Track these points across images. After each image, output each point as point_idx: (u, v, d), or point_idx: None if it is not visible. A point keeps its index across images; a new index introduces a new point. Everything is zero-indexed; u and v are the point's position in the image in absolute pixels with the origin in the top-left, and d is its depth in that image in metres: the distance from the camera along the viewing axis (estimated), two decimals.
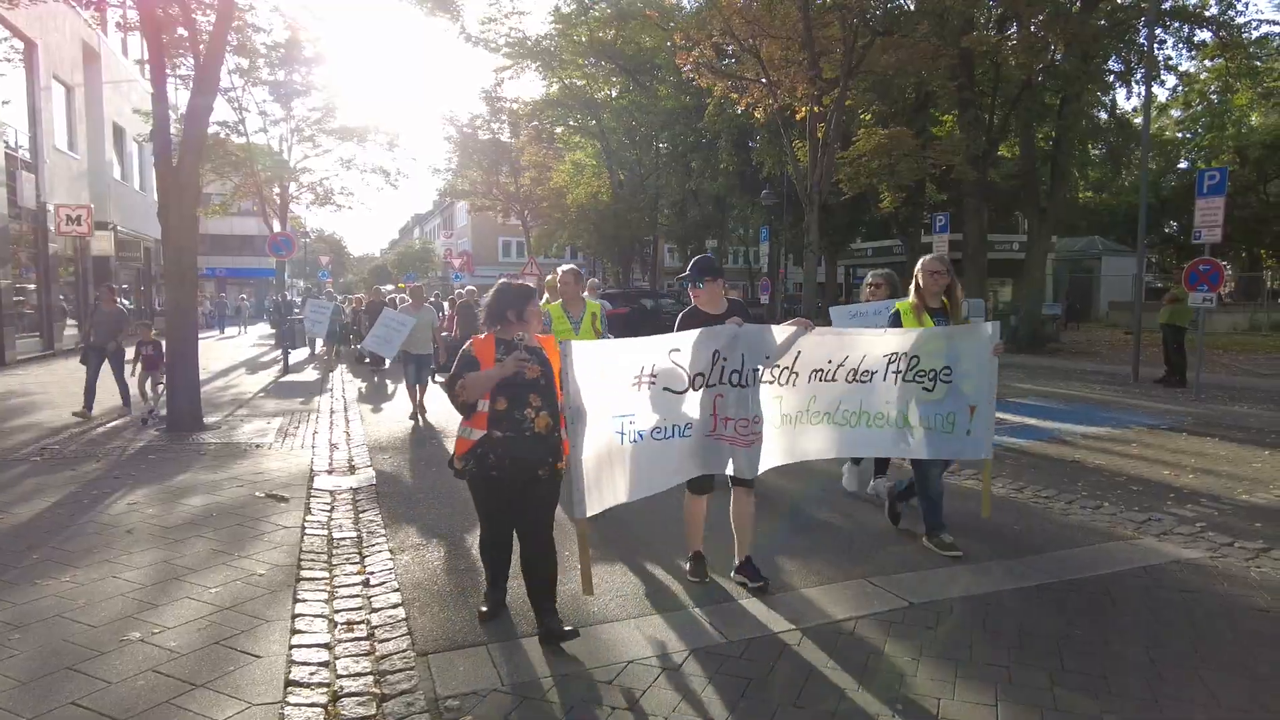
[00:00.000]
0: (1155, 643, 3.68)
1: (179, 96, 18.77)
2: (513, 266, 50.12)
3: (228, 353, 22.06)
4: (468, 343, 3.74)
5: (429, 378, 10.60)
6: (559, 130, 36.42)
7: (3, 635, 3.67)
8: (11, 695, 3.14)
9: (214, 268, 50.07)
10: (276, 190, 25.03)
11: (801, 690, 3.27)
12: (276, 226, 24.45)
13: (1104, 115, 26.01)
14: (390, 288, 23.88)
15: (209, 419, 9.55)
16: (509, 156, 33.69)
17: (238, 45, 18.12)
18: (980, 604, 4.14)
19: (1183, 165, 37.73)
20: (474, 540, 5.24)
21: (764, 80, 17.86)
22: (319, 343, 19.73)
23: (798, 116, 18.23)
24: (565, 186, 34.58)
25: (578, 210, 33.79)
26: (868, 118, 22.20)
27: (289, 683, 3.30)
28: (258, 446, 8.22)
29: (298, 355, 19.74)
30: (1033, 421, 9.65)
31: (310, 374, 16.48)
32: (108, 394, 10.05)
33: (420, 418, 9.97)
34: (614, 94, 34.09)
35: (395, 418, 10.51)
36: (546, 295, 7.12)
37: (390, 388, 14.33)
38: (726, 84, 19.66)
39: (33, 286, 18.82)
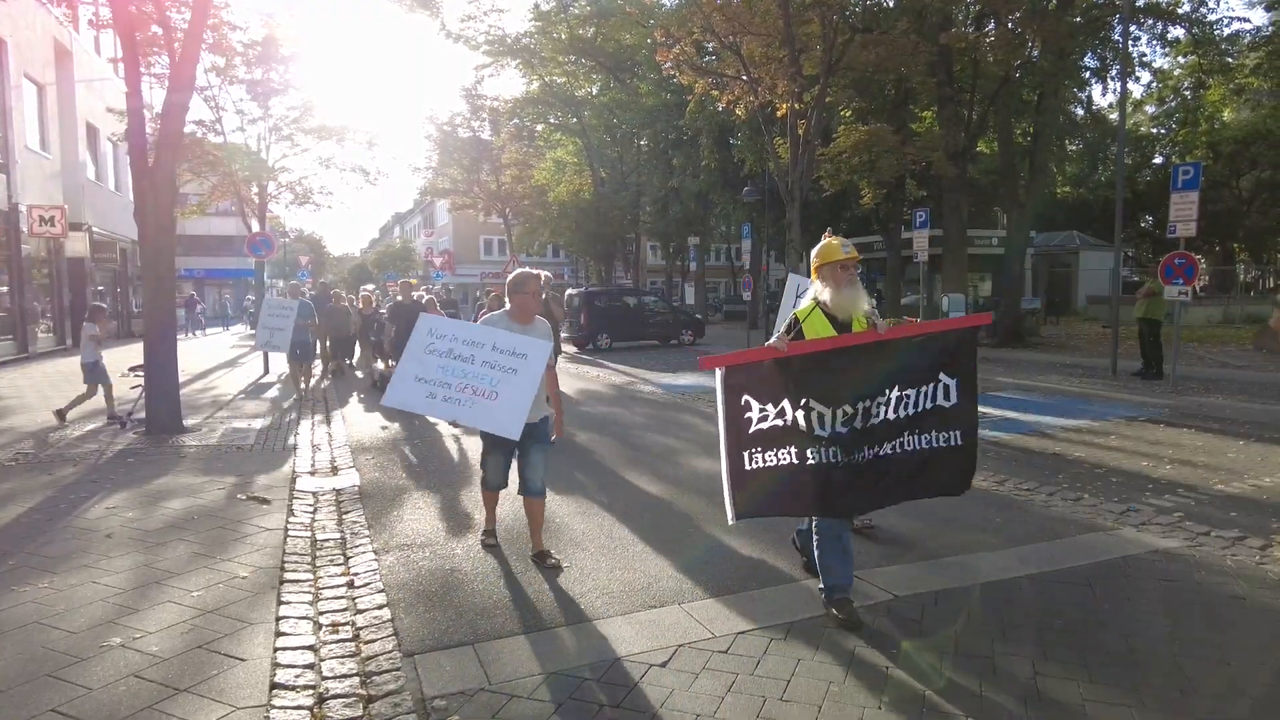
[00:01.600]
0: (1135, 631, 3.74)
1: (153, 95, 18.55)
2: (494, 265, 50.05)
3: (208, 354, 21.80)
4: None
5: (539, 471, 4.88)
6: (540, 128, 36.35)
7: None
8: None
9: (192, 269, 49.52)
10: (255, 190, 24.77)
11: (788, 684, 3.28)
12: (255, 226, 24.19)
13: (1080, 111, 26.33)
14: (422, 292, 15.97)
15: (188, 421, 9.44)
16: (490, 155, 33.57)
17: (214, 43, 17.89)
18: (963, 596, 4.18)
19: (1157, 160, 38.22)
20: (458, 540, 5.23)
21: (745, 77, 17.89)
22: (286, 359, 13.10)
23: (779, 114, 18.28)
24: (547, 184, 34.53)
25: (559, 208, 33.77)
26: (848, 114, 22.32)
27: (274, 685, 3.27)
28: (239, 449, 8.14)
29: (262, 362, 15.87)
30: (1013, 415, 9.74)
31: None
32: (91, 401, 9.89)
33: (550, 564, 4.72)
34: (595, 91, 34.08)
35: (378, 419, 10.42)
36: (817, 285, 4.10)
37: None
38: (707, 81, 19.67)
39: (4, 289, 18.52)
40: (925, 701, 3.14)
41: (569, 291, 24.83)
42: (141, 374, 9.31)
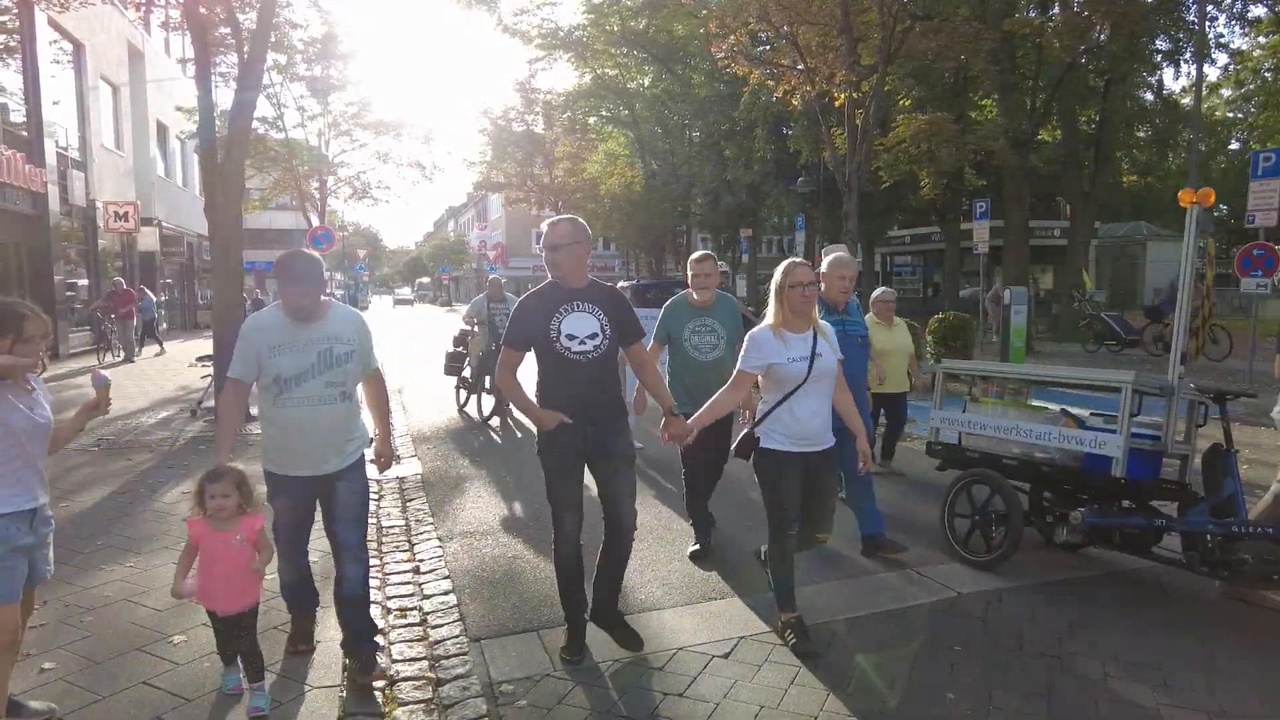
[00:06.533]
0: (1209, 635, 3.63)
1: (218, 94, 19.15)
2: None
3: None
4: None
5: None
6: (592, 121, 36.45)
7: (76, 617, 3.82)
8: (87, 674, 3.27)
9: (253, 261, 50.87)
10: (315, 184, 25.44)
11: (851, 678, 3.27)
12: (314, 220, 24.85)
13: (1150, 96, 25.31)
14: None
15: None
16: (542, 148, 33.82)
17: (275, 41, 18.39)
18: (1030, 595, 4.10)
19: (1234, 146, 36.59)
20: (520, 528, 5.31)
21: (801, 67, 17.66)
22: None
23: (836, 103, 18.01)
24: (598, 177, 34.64)
25: (611, 201, 33.85)
26: (907, 103, 21.85)
27: (347, 667, 3.38)
28: None
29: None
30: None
31: None
32: (155, 385, 10.30)
33: None
34: (646, 83, 34.04)
35: (437, 408, 10.61)
36: None
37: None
38: (762, 71, 19.46)
39: (84, 282, 19.34)
40: (992, 701, 3.09)
41: (620, 284, 24.87)
42: (210, 364, 9.65)
